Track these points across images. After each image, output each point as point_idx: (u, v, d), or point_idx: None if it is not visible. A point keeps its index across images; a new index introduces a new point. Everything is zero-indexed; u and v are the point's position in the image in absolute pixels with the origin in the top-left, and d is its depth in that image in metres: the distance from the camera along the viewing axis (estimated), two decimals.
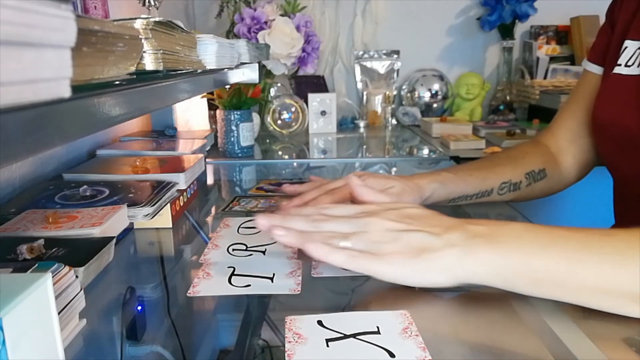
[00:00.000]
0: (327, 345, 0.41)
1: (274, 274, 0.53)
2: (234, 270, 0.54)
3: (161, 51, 0.41)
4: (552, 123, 0.83)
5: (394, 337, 0.42)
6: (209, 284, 0.51)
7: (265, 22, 1.39)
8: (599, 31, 0.77)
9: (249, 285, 0.51)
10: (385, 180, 0.67)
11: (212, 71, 0.62)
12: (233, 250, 0.60)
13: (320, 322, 0.44)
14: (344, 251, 0.47)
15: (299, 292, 0.49)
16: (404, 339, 0.41)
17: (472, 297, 0.49)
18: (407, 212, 0.51)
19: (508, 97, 1.73)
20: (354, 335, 0.42)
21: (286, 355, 0.39)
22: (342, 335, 0.42)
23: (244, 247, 0.61)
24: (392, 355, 0.39)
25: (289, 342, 0.41)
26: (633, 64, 0.66)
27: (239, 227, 0.68)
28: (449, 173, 0.72)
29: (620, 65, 0.68)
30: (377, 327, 0.43)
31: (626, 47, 0.68)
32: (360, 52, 1.76)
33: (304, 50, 1.46)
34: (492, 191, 0.74)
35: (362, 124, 1.66)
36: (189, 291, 0.49)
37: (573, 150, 0.78)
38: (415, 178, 0.70)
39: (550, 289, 0.44)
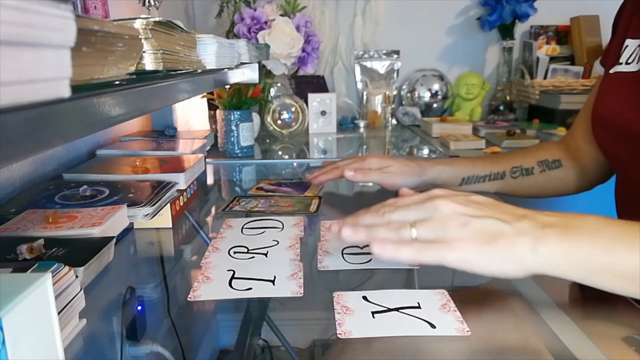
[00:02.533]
0: (373, 317, 0.44)
1: (275, 277, 0.53)
2: (234, 274, 0.53)
3: (161, 51, 0.41)
4: (573, 124, 0.85)
5: (434, 312, 0.45)
6: (209, 288, 0.51)
7: (265, 22, 1.39)
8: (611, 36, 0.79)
9: (250, 289, 0.50)
10: (384, 160, 0.71)
11: (212, 71, 0.62)
12: (234, 252, 0.60)
13: (365, 298, 0.48)
14: (412, 246, 0.45)
15: (301, 294, 0.49)
16: (443, 313, 0.45)
17: (472, 296, 0.49)
18: (474, 199, 0.49)
19: (508, 97, 1.73)
20: (397, 309, 0.45)
21: (336, 323, 0.43)
22: (386, 308, 0.45)
23: (246, 250, 0.60)
24: (433, 326, 0.43)
25: (338, 313, 0.45)
26: (632, 61, 0.67)
27: (242, 227, 0.68)
28: (459, 158, 0.75)
29: (621, 63, 0.69)
30: (418, 303, 0.47)
31: (627, 46, 0.69)
32: (360, 52, 1.76)
33: (304, 50, 1.45)
34: (504, 174, 0.75)
35: (362, 124, 1.66)
36: (189, 296, 0.49)
37: (590, 150, 0.79)
38: (418, 160, 0.72)
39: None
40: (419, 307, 0.46)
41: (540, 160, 0.78)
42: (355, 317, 0.44)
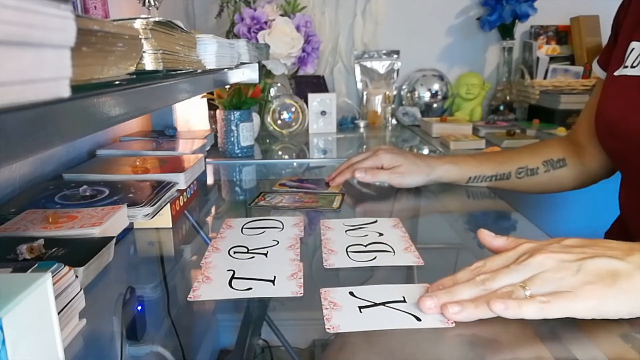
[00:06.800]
0: (360, 311, 0.45)
1: (275, 277, 0.52)
2: (234, 274, 0.53)
3: (161, 51, 0.41)
4: (576, 122, 0.87)
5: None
6: (209, 288, 0.51)
7: (265, 22, 1.39)
8: (609, 37, 0.79)
9: (250, 289, 0.50)
10: (395, 156, 0.77)
11: (212, 71, 0.62)
12: (234, 252, 0.60)
13: (351, 293, 0.48)
14: (534, 300, 0.42)
15: (301, 294, 0.49)
16: None
17: None
18: (568, 243, 0.47)
19: (508, 97, 1.73)
20: (383, 303, 0.46)
21: (324, 319, 0.43)
22: (373, 303, 0.46)
23: (246, 250, 0.60)
24: (418, 319, 0.43)
25: (326, 309, 0.45)
26: (638, 64, 0.66)
27: (242, 227, 0.68)
28: (467, 156, 0.77)
29: (627, 67, 0.68)
30: (403, 297, 0.47)
31: (633, 49, 0.68)
32: (360, 52, 1.76)
33: (304, 50, 1.45)
34: (510, 175, 0.78)
35: (362, 124, 1.66)
36: (189, 295, 0.49)
37: (593, 150, 0.80)
38: (427, 157, 0.76)
39: None
40: (404, 301, 0.46)
41: (546, 160, 0.80)
42: (343, 312, 0.45)
